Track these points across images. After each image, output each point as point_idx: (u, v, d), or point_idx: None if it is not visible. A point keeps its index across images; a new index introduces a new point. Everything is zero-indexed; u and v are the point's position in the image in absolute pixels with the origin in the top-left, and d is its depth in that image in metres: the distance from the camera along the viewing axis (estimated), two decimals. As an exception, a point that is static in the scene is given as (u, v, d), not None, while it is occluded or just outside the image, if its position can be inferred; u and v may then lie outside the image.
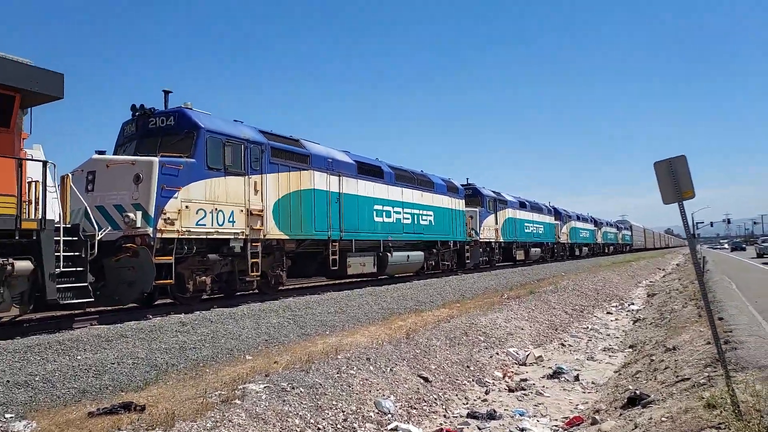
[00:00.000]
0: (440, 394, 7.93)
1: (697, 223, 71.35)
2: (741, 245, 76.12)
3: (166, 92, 12.06)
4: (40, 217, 8.18)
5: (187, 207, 10.52)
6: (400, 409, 6.90)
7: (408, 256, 18.68)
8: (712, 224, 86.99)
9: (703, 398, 5.13)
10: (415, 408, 7.16)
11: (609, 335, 13.83)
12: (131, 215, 9.74)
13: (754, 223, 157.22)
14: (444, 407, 7.59)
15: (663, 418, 5.24)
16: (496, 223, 27.57)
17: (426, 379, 8.08)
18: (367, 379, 7.16)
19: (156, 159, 10.22)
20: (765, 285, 18.48)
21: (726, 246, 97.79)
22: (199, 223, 10.77)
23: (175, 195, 10.34)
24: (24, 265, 7.85)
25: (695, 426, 4.63)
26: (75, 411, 5.36)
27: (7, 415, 5.27)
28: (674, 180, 5.42)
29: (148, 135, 11.38)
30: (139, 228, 9.77)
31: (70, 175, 9.18)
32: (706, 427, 4.52)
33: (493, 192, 28.59)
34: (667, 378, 6.99)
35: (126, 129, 11.95)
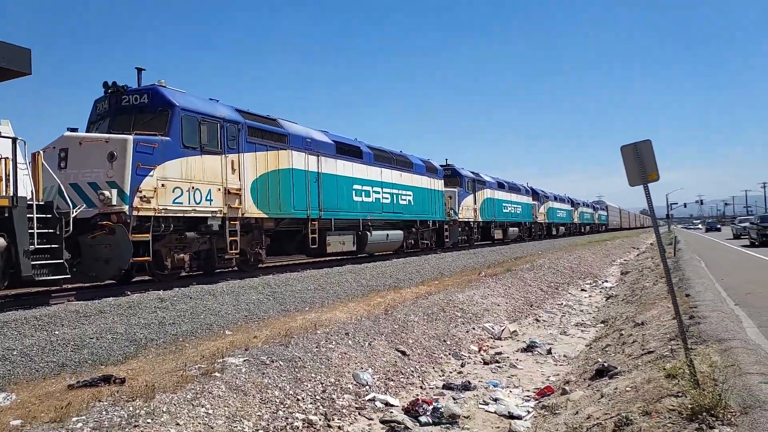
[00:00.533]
0: (417, 366, 8.13)
1: (671, 204, 72.65)
2: (716, 225, 75.09)
3: (139, 69, 11.83)
4: (11, 194, 8.06)
5: (163, 185, 10.45)
6: (377, 381, 7.07)
7: (387, 234, 18.82)
8: (685, 205, 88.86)
9: (665, 369, 5.37)
10: (392, 380, 7.34)
11: (582, 311, 14.20)
12: (106, 193, 9.65)
13: (726, 204, 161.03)
14: (421, 379, 7.79)
15: (627, 388, 5.49)
16: (475, 203, 27.83)
17: (403, 353, 8.26)
18: (345, 353, 7.30)
19: (130, 137, 10.09)
20: (734, 264, 19.07)
21: (699, 226, 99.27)
22: (175, 201, 10.71)
23: (151, 173, 10.25)
24: (-4, 242, 7.77)
25: (656, 394, 4.87)
26: (55, 384, 5.40)
27: (-15, 388, 5.30)
28: (640, 163, 5.58)
29: (122, 112, 11.20)
30: (114, 206, 9.70)
31: (41, 152, 9.03)
32: (666, 395, 4.74)
33: (472, 173, 28.79)
34: (634, 351, 7.25)
35: (98, 106, 11.73)
